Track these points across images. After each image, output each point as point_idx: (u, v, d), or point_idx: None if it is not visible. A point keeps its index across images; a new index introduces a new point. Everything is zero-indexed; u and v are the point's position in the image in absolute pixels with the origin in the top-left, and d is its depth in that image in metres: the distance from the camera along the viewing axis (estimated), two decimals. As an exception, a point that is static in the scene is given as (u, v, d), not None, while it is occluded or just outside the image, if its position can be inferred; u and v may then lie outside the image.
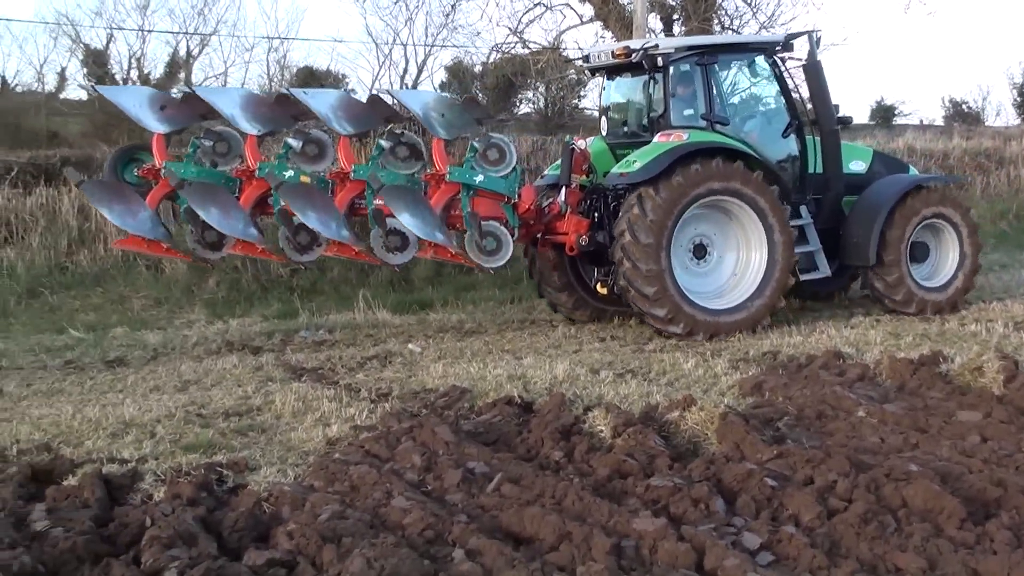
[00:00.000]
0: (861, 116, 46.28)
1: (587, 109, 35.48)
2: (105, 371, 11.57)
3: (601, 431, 7.96)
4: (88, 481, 6.88)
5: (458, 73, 37.07)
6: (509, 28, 29.58)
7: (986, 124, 45.56)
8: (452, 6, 30.22)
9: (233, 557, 5.73)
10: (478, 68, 35.16)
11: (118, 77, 37.34)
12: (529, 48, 29.42)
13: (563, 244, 12.63)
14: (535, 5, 28.91)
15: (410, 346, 12.46)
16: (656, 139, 12.42)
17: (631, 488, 6.58)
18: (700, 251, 12.66)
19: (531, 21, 29.28)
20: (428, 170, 11.81)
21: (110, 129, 31.14)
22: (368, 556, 5.35)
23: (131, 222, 11.16)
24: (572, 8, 29.34)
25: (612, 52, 13.14)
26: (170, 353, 12.55)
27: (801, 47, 13.31)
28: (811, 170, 13.34)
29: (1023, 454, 7.04)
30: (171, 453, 7.79)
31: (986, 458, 6.97)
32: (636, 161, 12.13)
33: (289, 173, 11.47)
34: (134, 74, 39.84)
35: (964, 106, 48.97)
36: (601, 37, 28.68)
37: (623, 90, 13.90)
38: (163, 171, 11.21)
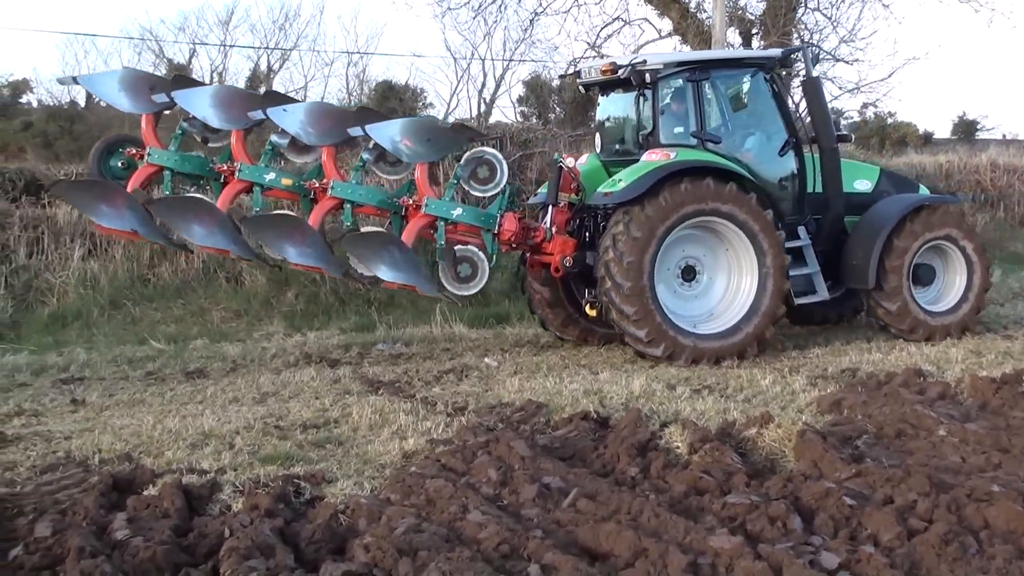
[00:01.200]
0: (943, 131, 45.82)
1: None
2: (185, 382, 11.70)
3: (677, 447, 7.93)
4: (168, 491, 6.96)
5: (536, 87, 37.16)
6: (587, 43, 29.64)
7: (1072, 139, 44.84)
8: (530, 21, 30.31)
9: (310, 569, 5.78)
10: (556, 82, 35.25)
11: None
12: (607, 62, 29.36)
13: (550, 264, 12.40)
14: (613, 20, 28.97)
15: (486, 360, 12.48)
16: (644, 158, 12.12)
17: (707, 505, 6.55)
18: (689, 273, 12.35)
19: (609, 36, 29.31)
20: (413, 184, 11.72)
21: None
22: (443, 570, 5.37)
23: (119, 223, 11.29)
24: (650, 23, 29.35)
25: (599, 68, 12.86)
26: (249, 365, 12.67)
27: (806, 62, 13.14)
28: (810, 189, 12.94)
29: (1109, 475, 6.92)
30: (249, 464, 7.85)
31: (1070, 479, 6.85)
32: (621, 181, 11.87)
33: (270, 176, 11.48)
34: (216, 88, 40.40)
35: (1049, 120, 48.28)
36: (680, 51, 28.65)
37: (616, 107, 13.49)
38: (146, 156, 11.29)
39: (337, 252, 11.60)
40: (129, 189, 11.30)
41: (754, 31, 29.13)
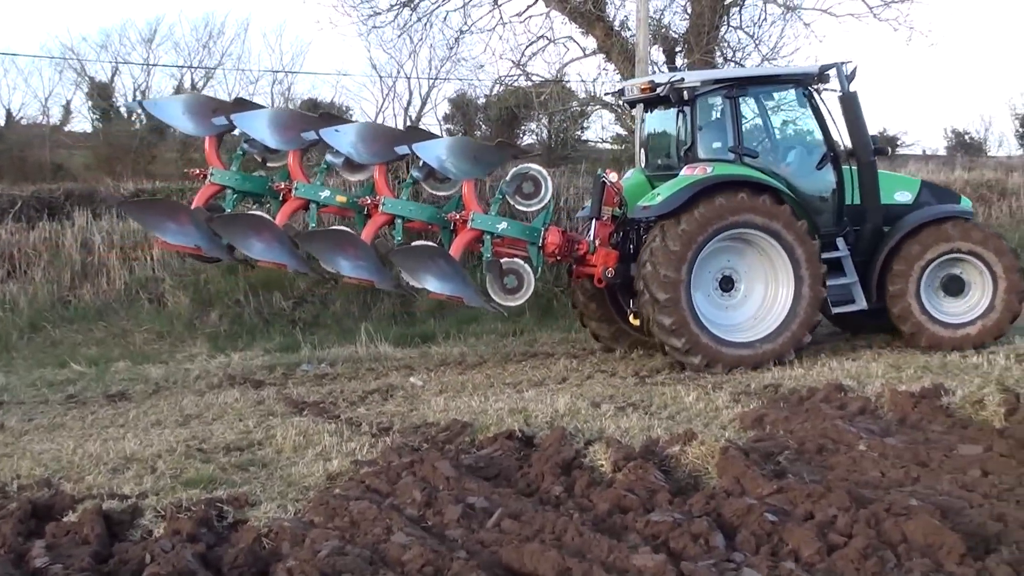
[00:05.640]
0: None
1: (590, 141, 35.64)
2: (107, 405, 11.58)
3: (602, 465, 7.94)
4: (88, 517, 6.85)
5: (461, 105, 37.16)
6: (512, 61, 29.55)
7: (988, 155, 45.67)
8: (455, 39, 30.23)
9: (232, 594, 5.73)
10: (481, 100, 35.29)
11: (123, 110, 37.66)
12: (532, 81, 29.48)
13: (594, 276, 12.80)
14: (538, 38, 28.93)
15: (412, 380, 12.46)
16: (683, 172, 12.50)
17: (631, 523, 6.56)
18: (727, 283, 12.75)
19: (534, 54, 29.26)
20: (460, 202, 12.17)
21: (113, 162, 31.29)
22: (367, 593, 5.35)
23: (183, 239, 11.74)
24: (575, 41, 29.35)
25: (639, 86, 13.33)
26: (172, 387, 12.57)
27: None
28: (848, 201, 13.23)
29: (1024, 488, 7.03)
30: (171, 488, 7.75)
31: (987, 492, 6.96)
32: (659, 195, 12.27)
33: (325, 193, 12.02)
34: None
35: (966, 136, 49.08)
36: (604, 70, 28.87)
37: (659, 122, 13.97)
38: (209, 177, 11.84)
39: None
40: (193, 207, 11.81)
41: (677, 49, 29.29)
